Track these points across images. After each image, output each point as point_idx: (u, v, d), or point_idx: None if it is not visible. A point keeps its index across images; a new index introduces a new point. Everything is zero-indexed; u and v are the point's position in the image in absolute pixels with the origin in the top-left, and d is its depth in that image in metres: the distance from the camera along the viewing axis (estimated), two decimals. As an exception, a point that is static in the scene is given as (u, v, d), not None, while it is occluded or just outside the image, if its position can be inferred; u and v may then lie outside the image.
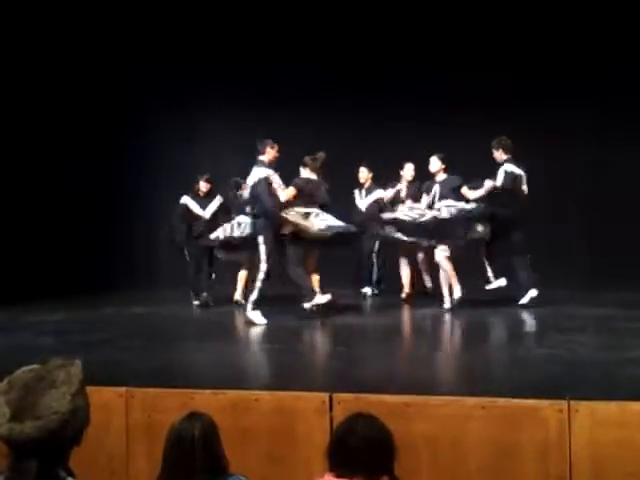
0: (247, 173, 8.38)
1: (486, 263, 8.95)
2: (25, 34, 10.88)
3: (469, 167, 9.11)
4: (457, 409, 4.31)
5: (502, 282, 8.81)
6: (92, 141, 11.86)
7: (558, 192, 11.26)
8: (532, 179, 11.07)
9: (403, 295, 9.59)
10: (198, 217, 9.65)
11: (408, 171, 9.90)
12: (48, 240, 11.19)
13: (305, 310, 8.06)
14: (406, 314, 8.85)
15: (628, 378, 5.04)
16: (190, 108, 12.15)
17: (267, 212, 7.99)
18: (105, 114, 11.91)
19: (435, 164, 9.06)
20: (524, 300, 8.59)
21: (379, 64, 11.55)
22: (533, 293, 8.62)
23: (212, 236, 9.22)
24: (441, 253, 8.60)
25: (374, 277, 10.13)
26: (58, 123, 11.47)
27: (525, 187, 8.96)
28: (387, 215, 9.29)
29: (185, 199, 9.72)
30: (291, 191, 8.26)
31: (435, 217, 8.70)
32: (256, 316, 7.90)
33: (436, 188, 8.96)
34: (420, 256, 9.76)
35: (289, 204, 8.23)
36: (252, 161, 8.30)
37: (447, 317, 8.34)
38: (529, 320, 8.02)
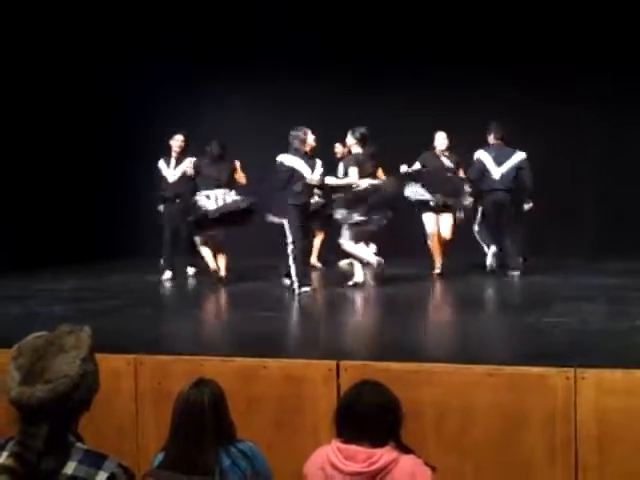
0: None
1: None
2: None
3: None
4: (464, 376, 4.33)
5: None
6: (93, 115, 11.91)
7: (569, 162, 11.20)
8: (545, 148, 11.10)
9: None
10: None
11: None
12: (56, 209, 11.24)
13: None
14: (405, 283, 8.83)
15: (636, 346, 5.05)
16: (193, 81, 12.13)
17: None
18: (107, 91, 11.95)
19: (443, 141, 9.06)
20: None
21: (380, 41, 11.46)
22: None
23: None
24: None
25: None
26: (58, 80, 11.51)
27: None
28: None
29: None
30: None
31: None
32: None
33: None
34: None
35: None
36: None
37: (453, 285, 8.36)
38: (537, 288, 8.02)
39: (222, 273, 8.82)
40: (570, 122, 11.11)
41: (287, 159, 8.15)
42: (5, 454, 2.07)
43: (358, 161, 8.21)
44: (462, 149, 9.30)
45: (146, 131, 12.16)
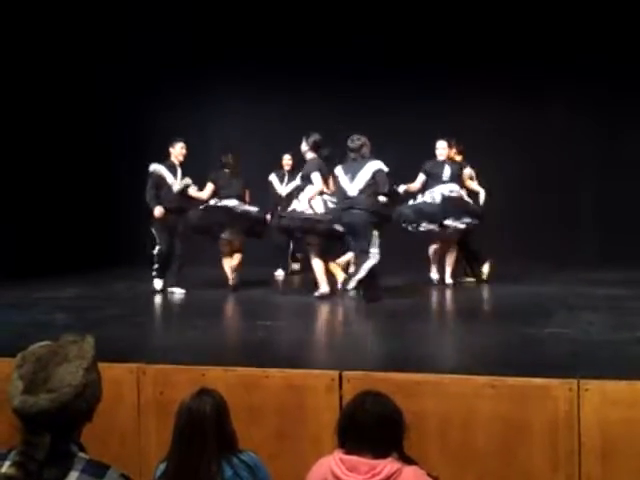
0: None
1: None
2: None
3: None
4: (467, 387, 4.32)
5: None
6: (94, 119, 11.96)
7: (567, 170, 11.21)
8: (542, 156, 11.10)
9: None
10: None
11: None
12: (56, 217, 11.25)
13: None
14: (408, 294, 8.81)
15: (638, 357, 5.04)
16: (200, 91, 12.16)
17: None
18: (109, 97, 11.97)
19: (442, 151, 9.02)
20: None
21: (381, 49, 11.47)
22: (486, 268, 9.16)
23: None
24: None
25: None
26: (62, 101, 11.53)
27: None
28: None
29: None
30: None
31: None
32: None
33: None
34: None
35: None
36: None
37: (454, 296, 8.35)
38: (538, 298, 8.01)
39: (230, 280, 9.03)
40: (572, 128, 11.12)
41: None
42: (7, 463, 2.06)
43: (320, 165, 8.30)
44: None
45: (147, 135, 12.18)
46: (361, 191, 7.85)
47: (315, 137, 8.44)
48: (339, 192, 8.10)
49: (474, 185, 9.27)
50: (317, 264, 8.26)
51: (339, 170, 8.05)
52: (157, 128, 12.10)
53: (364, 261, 7.78)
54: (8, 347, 4.40)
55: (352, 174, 7.92)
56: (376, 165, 7.92)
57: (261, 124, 11.68)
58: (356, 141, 8.03)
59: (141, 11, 11.75)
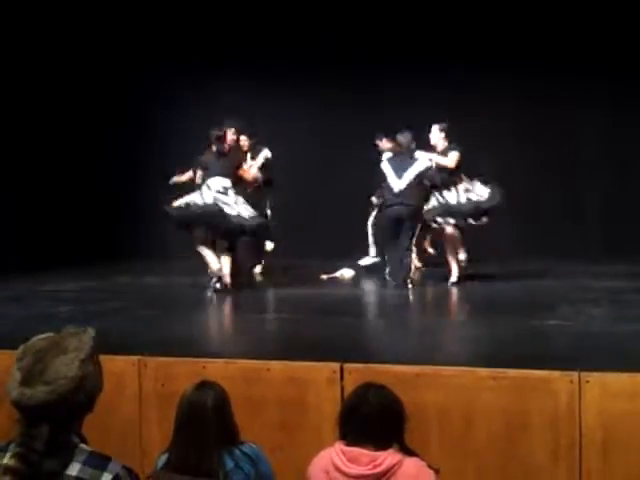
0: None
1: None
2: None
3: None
4: (468, 380, 4.32)
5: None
6: (95, 114, 11.95)
7: (571, 163, 11.19)
8: (546, 149, 11.08)
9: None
10: None
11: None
12: (58, 210, 11.27)
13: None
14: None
15: (639, 350, 5.04)
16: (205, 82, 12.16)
17: None
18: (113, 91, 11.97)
19: (435, 135, 8.82)
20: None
21: (379, 46, 11.43)
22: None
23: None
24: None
25: None
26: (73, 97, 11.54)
27: None
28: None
29: None
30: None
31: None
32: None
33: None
34: None
35: None
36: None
37: (456, 290, 8.35)
38: (540, 292, 8.01)
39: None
40: (577, 123, 11.09)
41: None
42: (8, 455, 2.07)
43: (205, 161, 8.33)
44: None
45: (148, 132, 12.18)
46: (408, 187, 7.99)
47: (216, 132, 8.41)
48: (386, 188, 8.18)
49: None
50: (224, 259, 8.17)
51: (385, 165, 8.11)
52: (158, 126, 12.12)
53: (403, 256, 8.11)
54: (10, 339, 4.41)
55: (401, 171, 8.05)
56: (425, 163, 8.11)
57: (261, 123, 11.67)
58: (407, 136, 8.22)
59: (141, 11, 11.73)
